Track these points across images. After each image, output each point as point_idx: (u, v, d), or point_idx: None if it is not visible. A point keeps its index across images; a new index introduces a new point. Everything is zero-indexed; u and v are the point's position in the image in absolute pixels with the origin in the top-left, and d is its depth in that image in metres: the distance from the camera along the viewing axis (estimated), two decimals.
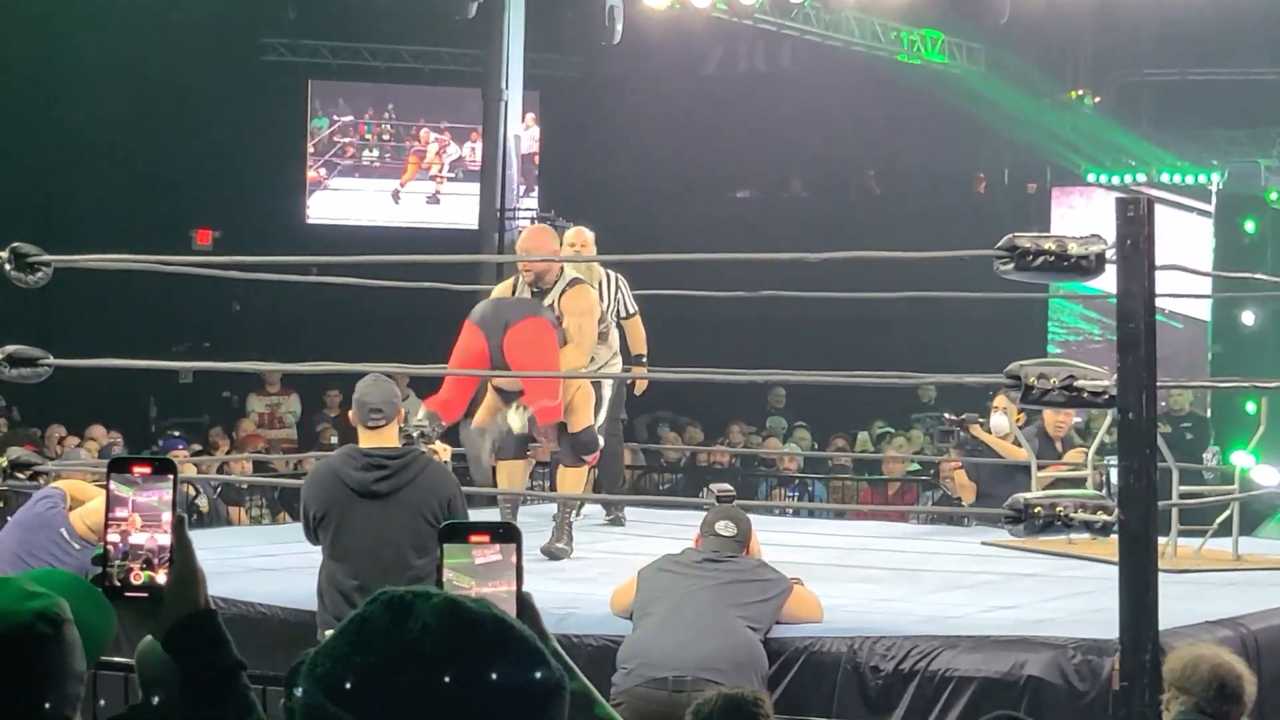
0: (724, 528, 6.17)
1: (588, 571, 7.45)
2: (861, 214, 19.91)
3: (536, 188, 20.21)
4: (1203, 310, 17.31)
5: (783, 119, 19.95)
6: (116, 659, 4.59)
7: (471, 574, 1.86)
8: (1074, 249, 5.81)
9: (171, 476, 2.02)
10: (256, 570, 7.47)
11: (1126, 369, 5.48)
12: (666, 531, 7.98)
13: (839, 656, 5.89)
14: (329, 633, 1.66)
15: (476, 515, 7.46)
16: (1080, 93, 20.26)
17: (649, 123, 19.20)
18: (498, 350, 7.76)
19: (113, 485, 2.01)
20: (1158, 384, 5.56)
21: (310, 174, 20.82)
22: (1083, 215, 17.70)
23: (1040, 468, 8.54)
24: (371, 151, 21.06)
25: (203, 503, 12.12)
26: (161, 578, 2.00)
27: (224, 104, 18.90)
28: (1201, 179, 18.47)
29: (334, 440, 13.77)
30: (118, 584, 1.99)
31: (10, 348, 6.94)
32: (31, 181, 18.51)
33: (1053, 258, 5.82)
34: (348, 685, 1.53)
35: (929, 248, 7.97)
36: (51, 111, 18.80)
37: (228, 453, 14.39)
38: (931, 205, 19.42)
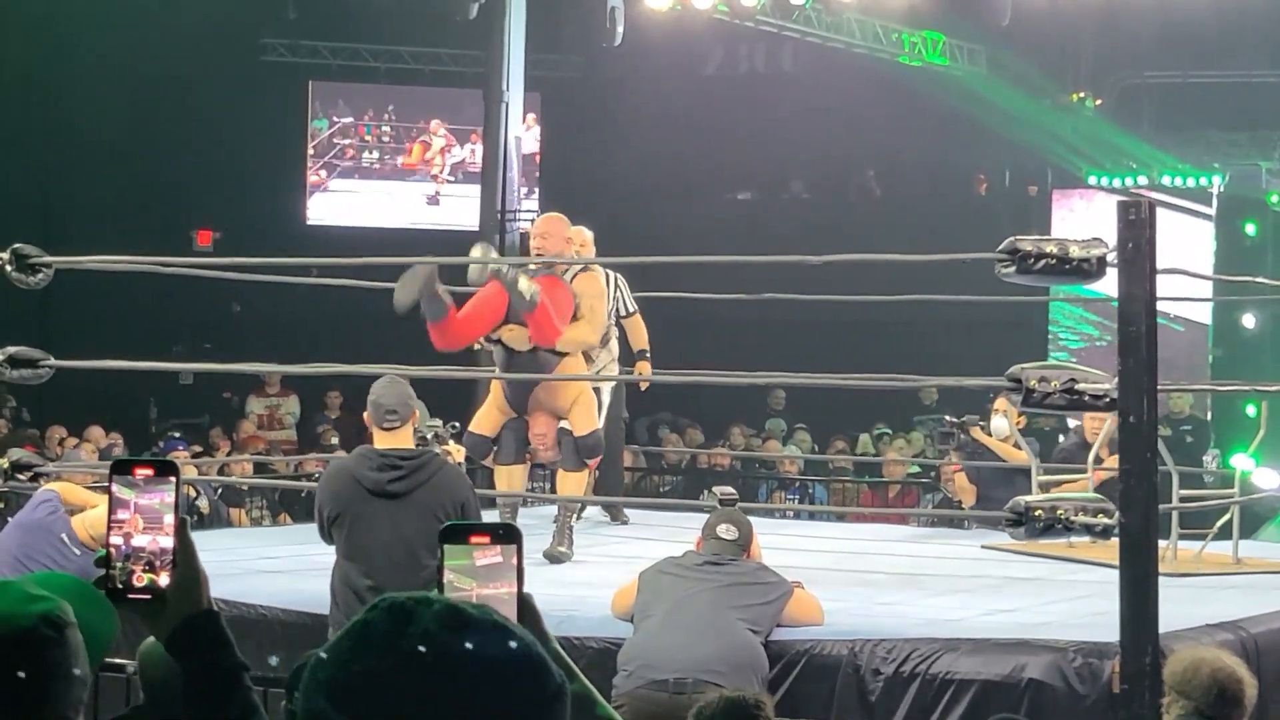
0: (725, 531, 6.17)
1: (588, 574, 7.45)
2: (862, 215, 19.87)
3: (537, 189, 20.20)
4: (1203, 313, 17.30)
5: (783, 120, 19.93)
6: (119, 660, 4.59)
7: (472, 575, 1.85)
8: (1075, 252, 5.81)
9: (173, 479, 2.02)
10: (259, 572, 7.47)
11: (1127, 372, 5.48)
12: (667, 534, 7.98)
13: (840, 659, 5.89)
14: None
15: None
16: (1081, 95, 20.24)
17: (650, 124, 19.18)
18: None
19: (115, 487, 2.01)
20: (1158, 387, 5.56)
21: (310, 175, 20.82)
22: (1083, 218, 17.70)
23: (1078, 473, 8.46)
24: (372, 153, 21.05)
25: (203, 504, 12.11)
26: (164, 580, 2.00)
27: (224, 104, 18.89)
28: (1202, 181, 18.45)
29: (334, 441, 13.75)
30: (120, 586, 2.00)
31: (11, 349, 6.94)
32: (31, 181, 18.51)
33: (1054, 260, 5.82)
34: (349, 690, 1.53)
35: (929, 250, 7.97)
36: (51, 111, 18.80)
37: (228, 454, 14.39)
38: (932, 207, 19.39)
